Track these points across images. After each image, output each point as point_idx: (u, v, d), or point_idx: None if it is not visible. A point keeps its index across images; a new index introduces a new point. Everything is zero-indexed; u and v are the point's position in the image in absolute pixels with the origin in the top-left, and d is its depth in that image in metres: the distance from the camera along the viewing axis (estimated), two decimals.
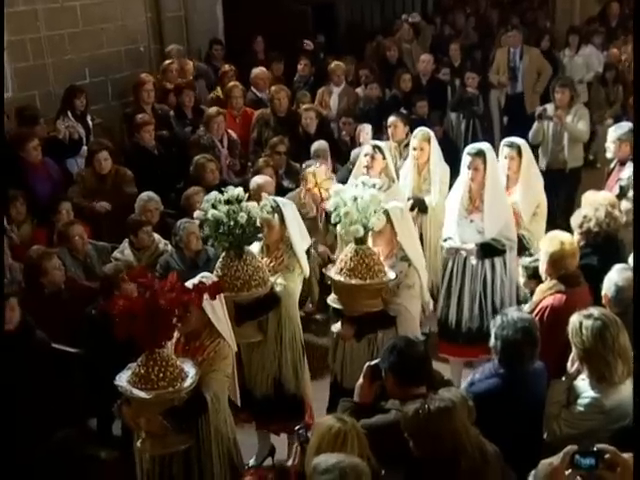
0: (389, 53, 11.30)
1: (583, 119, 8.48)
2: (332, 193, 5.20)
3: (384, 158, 6.75)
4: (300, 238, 5.52)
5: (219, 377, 4.50)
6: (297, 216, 5.62)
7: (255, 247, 5.50)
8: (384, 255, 5.31)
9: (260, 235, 5.39)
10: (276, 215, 5.38)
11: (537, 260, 5.30)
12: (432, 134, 7.14)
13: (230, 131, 8.76)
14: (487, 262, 6.11)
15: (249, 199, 5.38)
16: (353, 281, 5.03)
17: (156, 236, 6.89)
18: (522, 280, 5.44)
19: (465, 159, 6.13)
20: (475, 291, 6.16)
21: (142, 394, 4.14)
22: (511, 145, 6.48)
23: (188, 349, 4.57)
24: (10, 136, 7.84)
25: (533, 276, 5.29)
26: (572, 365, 4.24)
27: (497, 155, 6.36)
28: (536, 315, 4.83)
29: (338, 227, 5.11)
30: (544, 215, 6.50)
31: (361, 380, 4.03)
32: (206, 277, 4.64)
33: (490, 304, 6.11)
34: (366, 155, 6.76)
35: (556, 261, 4.94)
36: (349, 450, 3.33)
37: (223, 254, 5.25)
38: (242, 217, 5.09)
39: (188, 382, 4.23)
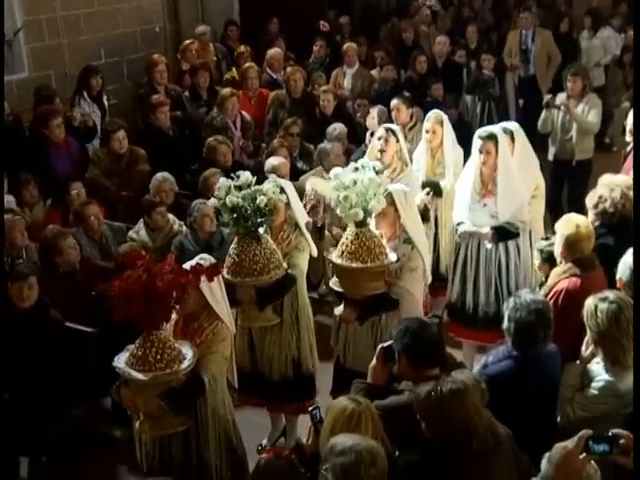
0: (405, 35, 11.23)
1: (595, 109, 8.22)
2: (331, 176, 5.13)
3: (397, 141, 6.69)
4: (302, 217, 5.56)
5: (217, 359, 4.48)
6: (296, 195, 5.62)
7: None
8: (387, 237, 5.28)
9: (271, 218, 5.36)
10: (283, 196, 5.37)
11: (553, 244, 5.27)
12: (445, 117, 7.08)
13: (244, 112, 8.74)
14: (501, 246, 6.08)
15: (261, 182, 5.36)
16: (354, 264, 5.00)
17: (171, 217, 6.90)
18: (537, 263, 5.42)
19: (476, 143, 6.07)
20: (490, 276, 6.12)
21: (140, 376, 4.14)
22: (503, 131, 6.38)
23: (186, 331, 4.56)
24: (34, 114, 7.86)
25: (547, 260, 5.26)
26: (586, 348, 4.22)
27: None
28: (551, 298, 4.79)
29: (338, 210, 5.05)
30: (543, 196, 6.48)
31: (374, 362, 4.03)
32: (204, 259, 4.60)
33: (506, 288, 6.08)
34: (379, 138, 6.70)
35: (571, 244, 4.90)
36: (363, 431, 3.32)
37: (236, 239, 5.20)
38: (262, 200, 5.05)
39: (185, 364, 4.22)
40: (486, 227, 6.05)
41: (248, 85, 9.25)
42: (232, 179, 5.19)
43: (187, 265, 4.46)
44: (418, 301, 5.26)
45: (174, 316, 4.53)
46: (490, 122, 8.99)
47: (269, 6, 11.06)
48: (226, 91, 8.65)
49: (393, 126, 6.96)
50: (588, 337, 4.17)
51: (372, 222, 5.23)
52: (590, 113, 8.18)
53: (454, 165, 6.91)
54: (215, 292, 4.54)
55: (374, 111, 8.28)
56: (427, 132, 7.04)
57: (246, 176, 5.17)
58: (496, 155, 5.99)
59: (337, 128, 8.23)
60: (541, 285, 5.31)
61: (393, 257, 5.11)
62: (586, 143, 8.41)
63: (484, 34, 11.45)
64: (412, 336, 3.89)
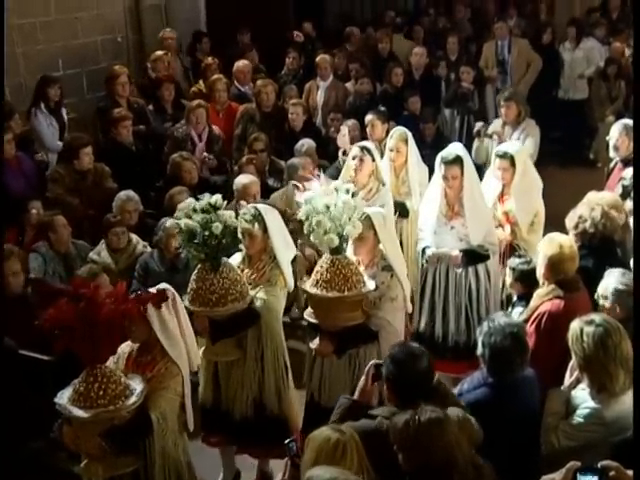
0: (380, 46, 11.31)
1: (532, 137, 8.07)
2: (302, 201, 5.11)
3: (373, 160, 6.69)
4: (284, 248, 5.45)
5: (168, 396, 4.40)
6: (280, 223, 5.54)
7: (236, 258, 5.44)
8: (364, 264, 5.27)
9: (241, 245, 5.34)
10: (257, 224, 5.31)
11: (527, 262, 5.37)
12: (409, 134, 7.11)
13: (214, 126, 8.76)
14: (471, 270, 6.13)
15: (230, 201, 5.34)
16: (330, 294, 4.97)
17: (134, 237, 6.87)
18: (508, 281, 5.48)
19: (440, 168, 6.11)
20: (460, 302, 6.16)
21: (80, 413, 4.07)
22: (504, 155, 6.49)
23: (139, 364, 4.49)
24: None
25: (520, 278, 5.33)
26: (571, 374, 4.26)
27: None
28: (533, 321, 4.85)
29: (311, 237, 5.03)
30: (542, 225, 6.51)
31: (362, 378, 4.05)
32: (159, 288, 4.53)
33: (477, 315, 6.12)
34: (354, 158, 6.69)
35: (554, 265, 4.94)
36: (349, 461, 3.30)
37: (199, 266, 5.17)
38: (217, 227, 5.00)
39: (131, 400, 4.15)
40: (455, 250, 6.10)
41: (216, 98, 9.28)
42: (198, 199, 5.17)
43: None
44: (399, 332, 5.24)
45: (128, 347, 4.49)
46: (469, 137, 9.08)
47: (239, 15, 11.10)
48: (194, 102, 8.69)
49: (368, 144, 6.95)
50: (573, 362, 4.20)
51: (349, 248, 5.23)
52: (527, 141, 8.03)
53: (419, 184, 6.92)
54: (167, 323, 4.45)
55: (345, 129, 8.30)
56: (391, 150, 7.06)
57: (215, 198, 5.13)
58: (462, 178, 6.04)
59: (305, 144, 8.26)
60: (513, 305, 5.37)
61: (371, 285, 5.10)
62: None
63: (463, 45, 11.55)
64: (397, 366, 3.88)
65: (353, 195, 5.06)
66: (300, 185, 6.83)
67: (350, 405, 3.94)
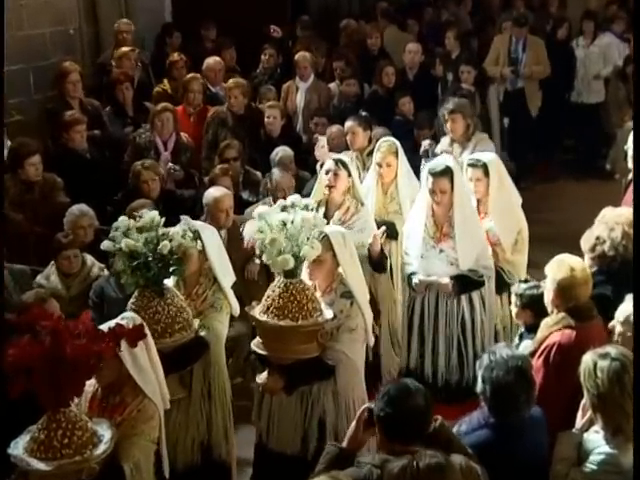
0: (370, 41, 11.41)
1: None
2: (255, 216, 5.12)
3: (349, 175, 6.67)
4: (220, 269, 5.48)
5: (142, 442, 4.36)
6: (219, 244, 5.59)
7: (168, 283, 5.41)
8: (321, 290, 5.29)
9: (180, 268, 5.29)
10: (198, 241, 5.35)
11: (534, 287, 5.38)
12: (398, 145, 7.15)
13: (183, 133, 8.80)
14: (464, 299, 6.21)
15: (200, 217, 5.33)
16: (282, 322, 4.98)
17: (89, 259, 6.83)
18: (514, 310, 5.49)
19: (427, 181, 6.17)
20: (452, 335, 6.23)
21: (41, 465, 3.97)
22: (475, 164, 6.56)
23: (105, 406, 4.47)
24: None
25: (528, 305, 5.35)
26: (583, 415, 4.28)
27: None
28: (541, 354, 4.86)
29: (264, 257, 5.03)
30: (526, 243, 6.59)
31: (353, 423, 4.03)
32: (127, 318, 4.54)
33: (471, 350, 6.19)
34: (327, 172, 6.66)
35: (565, 290, 4.94)
36: None
37: (136, 293, 5.14)
38: (164, 246, 5.01)
39: (100, 449, 4.08)
40: (445, 277, 6.15)
41: (190, 99, 9.33)
42: (164, 214, 5.19)
43: (105, 326, 4.35)
44: (358, 367, 5.26)
45: (90, 387, 4.46)
46: None
47: (209, 5, 11.18)
48: (160, 105, 8.72)
49: (343, 157, 6.94)
50: (585, 401, 4.22)
51: (304, 271, 5.21)
52: None
53: (410, 201, 6.89)
54: (140, 360, 4.44)
55: (323, 139, 8.34)
56: (379, 166, 7.08)
57: (152, 216, 5.14)
58: (451, 192, 6.11)
59: (279, 152, 8.29)
60: (520, 337, 5.40)
61: (329, 314, 5.12)
62: None
63: (463, 41, 11.62)
64: (389, 403, 3.87)
65: (311, 209, 5.10)
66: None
67: (338, 454, 3.93)
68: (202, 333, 5.27)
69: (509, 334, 6.25)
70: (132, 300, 5.17)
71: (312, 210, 5.10)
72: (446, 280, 6.12)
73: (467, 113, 8.21)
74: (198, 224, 5.52)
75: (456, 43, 11.10)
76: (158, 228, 5.10)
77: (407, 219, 6.70)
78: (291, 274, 5.03)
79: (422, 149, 8.37)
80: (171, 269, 5.12)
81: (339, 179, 6.62)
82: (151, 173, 7.71)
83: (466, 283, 6.15)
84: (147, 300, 5.10)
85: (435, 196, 6.10)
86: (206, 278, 5.46)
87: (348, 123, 8.00)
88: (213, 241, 5.50)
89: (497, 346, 4.48)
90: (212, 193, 7.08)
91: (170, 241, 5.07)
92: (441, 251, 6.19)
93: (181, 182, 8.49)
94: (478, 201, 6.61)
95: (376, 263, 6.39)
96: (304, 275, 5.21)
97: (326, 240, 5.15)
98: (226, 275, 5.54)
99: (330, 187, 6.61)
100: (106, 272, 6.73)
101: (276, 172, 7.65)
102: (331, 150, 8.22)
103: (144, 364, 4.49)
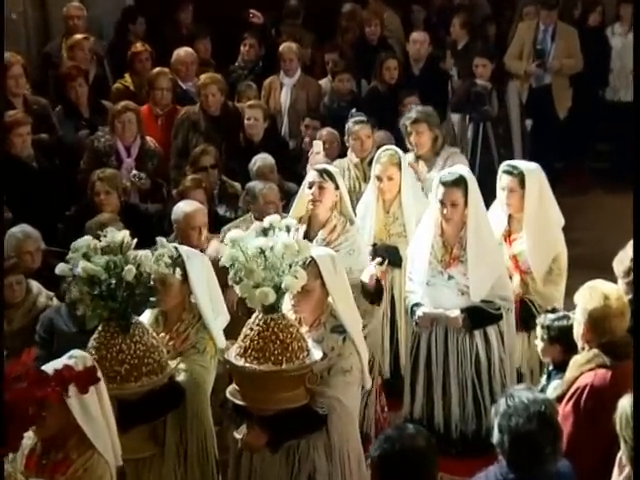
0: (368, 30, 11.44)
1: None
2: (227, 241, 5.05)
3: (337, 188, 6.65)
4: (209, 304, 5.45)
5: None
6: (210, 275, 5.55)
7: (146, 317, 5.43)
8: (308, 324, 5.26)
9: (154, 299, 5.28)
10: (177, 269, 5.30)
11: (563, 318, 5.38)
12: (402, 155, 7.18)
13: (149, 137, 8.82)
14: (478, 335, 6.20)
15: (168, 235, 5.31)
16: (262, 367, 4.92)
17: (35, 286, 6.80)
18: (540, 345, 5.49)
19: (438, 191, 6.17)
20: (465, 378, 6.22)
21: None
22: (511, 171, 6.57)
23: (46, 463, 4.41)
24: None
25: (559, 340, 5.34)
26: (620, 470, 4.27)
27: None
28: (570, 399, 4.86)
29: (238, 289, 4.99)
30: (563, 273, 6.56)
31: None
32: (75, 357, 4.48)
33: (488, 395, 6.18)
34: (311, 185, 6.65)
35: (597, 323, 4.93)
36: None
37: (99, 328, 5.11)
38: (128, 272, 4.95)
39: None
40: (455, 309, 6.14)
41: (156, 98, 9.36)
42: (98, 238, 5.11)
43: (50, 366, 4.30)
44: (353, 415, 5.24)
45: (30, 441, 4.42)
46: (486, 151, 9.23)
47: None
48: (120, 104, 8.71)
49: (330, 167, 6.92)
50: (622, 453, 4.21)
51: (286, 302, 5.18)
52: None
53: (417, 221, 6.81)
54: (90, 408, 4.40)
55: (319, 144, 8.31)
56: (379, 179, 7.09)
57: (122, 235, 5.11)
58: (465, 207, 6.13)
59: (257, 161, 8.33)
60: (548, 377, 5.39)
61: (317, 354, 5.09)
62: None
63: (478, 29, 11.67)
64: (386, 440, 3.96)
65: (309, 235, 5.10)
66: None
67: None
68: (179, 378, 5.24)
69: (538, 379, 6.22)
70: (94, 336, 5.14)
71: (297, 230, 5.08)
72: (456, 313, 6.11)
73: (433, 123, 8.13)
74: (185, 250, 5.48)
75: (462, 32, 11.16)
76: (128, 251, 5.08)
77: (412, 239, 6.71)
78: (272, 309, 4.99)
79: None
80: (139, 301, 5.09)
81: (325, 193, 6.61)
82: (105, 185, 7.72)
83: (480, 317, 6.14)
84: (110, 336, 5.07)
85: (445, 209, 6.11)
86: (190, 314, 5.43)
87: (355, 127, 8.08)
88: (201, 271, 5.45)
89: (516, 388, 4.42)
90: (182, 208, 7.07)
91: (138, 266, 5.04)
92: (450, 277, 6.18)
93: (147, 194, 8.50)
94: (509, 218, 6.64)
95: (370, 293, 6.37)
96: (287, 306, 5.19)
97: (313, 266, 5.14)
98: (217, 313, 5.52)
99: (314, 202, 6.61)
100: (56, 301, 6.72)
101: (257, 184, 7.65)
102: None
103: (95, 413, 4.44)
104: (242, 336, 5.08)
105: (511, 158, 7.62)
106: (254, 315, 5.09)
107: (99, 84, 9.98)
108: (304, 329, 5.22)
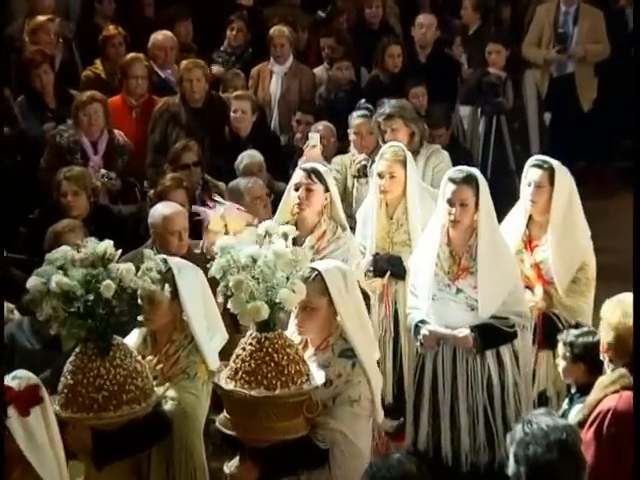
0: (369, 12, 11.45)
1: (444, 173, 7.51)
2: (217, 249, 5.03)
3: (327, 190, 6.66)
4: (203, 324, 5.40)
5: None
6: (204, 290, 5.47)
7: (133, 338, 5.42)
8: (314, 346, 5.23)
9: (141, 318, 5.24)
10: (165, 285, 5.25)
11: (588, 334, 5.37)
12: (408, 153, 7.18)
13: (117, 131, 8.80)
14: (489, 355, 6.18)
15: (144, 241, 5.28)
16: (253, 392, 4.87)
17: None
18: (562, 365, 5.47)
19: (446, 189, 6.16)
20: (476, 403, 6.19)
21: None
22: (541, 165, 6.57)
23: None
24: None
25: (584, 358, 5.32)
26: None
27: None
28: (592, 424, 4.85)
29: (230, 306, 4.91)
30: (591, 283, 6.54)
31: None
32: (19, 378, 4.39)
33: (501, 422, 6.16)
34: (297, 187, 6.67)
35: (624, 339, 4.92)
36: None
37: (77, 349, 5.06)
38: (106, 287, 4.88)
39: None
40: (463, 327, 6.11)
41: (130, 87, 9.34)
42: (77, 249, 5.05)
43: None
44: (361, 451, 5.14)
45: None
46: (499, 148, 9.24)
47: None
48: (85, 95, 8.70)
49: (319, 166, 6.90)
50: None
51: (291, 321, 5.18)
52: (438, 182, 7.58)
53: (424, 229, 6.74)
54: (35, 432, 4.34)
55: (315, 137, 8.24)
56: (381, 177, 7.07)
57: (104, 246, 5.04)
58: (475, 209, 6.11)
59: (245, 158, 8.34)
60: (571, 400, 5.39)
61: (319, 379, 5.02)
62: None
63: (492, 11, 11.68)
64: (370, 469, 3.99)
65: (295, 242, 5.03)
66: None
67: None
68: (166, 407, 5.18)
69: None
70: (71, 358, 5.08)
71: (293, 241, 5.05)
72: (465, 332, 6.08)
73: (409, 117, 8.12)
74: (176, 262, 5.43)
75: (474, 15, 11.17)
76: (105, 263, 5.01)
77: (415, 247, 6.69)
78: (266, 326, 4.94)
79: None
80: (121, 320, 5.04)
81: (313, 196, 6.62)
82: (72, 185, 7.71)
83: (492, 335, 6.11)
84: (88, 359, 5.00)
85: (453, 211, 6.08)
86: (181, 334, 5.35)
87: (356, 119, 8.12)
88: (194, 286, 5.38)
89: (534, 413, 4.31)
90: (160, 210, 7.01)
91: (119, 281, 4.98)
92: (458, 291, 6.14)
93: (117, 195, 8.49)
94: (529, 222, 6.64)
95: None
96: (291, 327, 5.19)
97: (319, 281, 5.10)
98: (214, 332, 5.46)
99: (300, 206, 6.62)
100: (17, 315, 6.72)
101: (241, 181, 7.70)
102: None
103: (41, 440, 4.39)
104: (234, 356, 5.03)
105: (527, 155, 7.56)
106: (248, 333, 5.03)
107: (67, 71, 10.00)
108: (309, 352, 5.18)
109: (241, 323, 5.15)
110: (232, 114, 9.14)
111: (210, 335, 5.42)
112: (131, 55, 9.57)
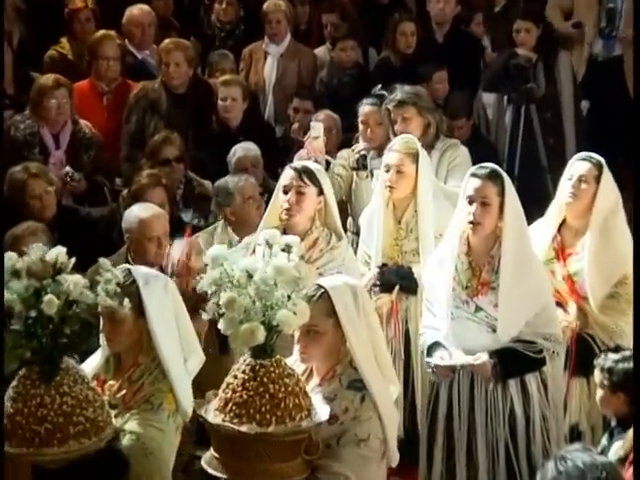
0: None
1: (458, 169, 7.90)
2: (208, 260, 4.96)
3: (321, 193, 6.70)
4: (173, 345, 5.38)
5: None
6: (176, 302, 5.46)
7: (94, 360, 5.40)
8: (320, 375, 5.23)
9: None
10: (126, 300, 5.15)
11: (630, 359, 5.35)
12: (419, 146, 7.18)
13: (83, 121, 8.81)
14: (513, 385, 6.13)
15: (118, 247, 5.25)
16: (243, 427, 4.84)
17: None
18: (599, 394, 5.46)
19: (467, 185, 6.10)
20: (497, 439, 6.15)
21: None
22: (589, 159, 6.57)
23: None
24: None
25: (624, 386, 5.31)
26: None
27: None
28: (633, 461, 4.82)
29: (221, 326, 4.87)
30: (631, 300, 6.44)
31: None
32: None
33: (525, 461, 6.13)
34: (287, 189, 6.67)
35: None
36: None
37: (20, 373, 5.03)
38: (48, 303, 4.81)
39: None
40: (482, 352, 6.05)
41: (101, 70, 9.35)
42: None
43: None
44: None
45: None
46: (529, 141, 9.22)
47: None
48: (46, 78, 8.69)
49: (312, 165, 6.93)
50: None
51: (295, 347, 5.16)
52: (450, 178, 8.02)
53: (438, 236, 6.81)
54: None
55: (319, 126, 8.19)
56: (387, 171, 7.08)
57: (55, 254, 4.97)
58: (499, 213, 6.06)
59: (237, 151, 8.39)
60: (611, 434, 5.38)
61: (323, 415, 4.99)
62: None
63: None
64: None
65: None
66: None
67: None
68: (124, 442, 5.17)
69: (600, 438, 6.19)
70: (13, 383, 5.02)
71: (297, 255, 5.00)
72: (482, 358, 6.01)
73: (425, 106, 8.16)
74: (142, 273, 5.38)
75: None
76: (56, 274, 4.96)
77: (429, 258, 6.65)
78: (261, 352, 4.91)
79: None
80: (71, 340, 4.94)
81: (304, 199, 6.62)
82: (43, 183, 7.73)
83: (515, 362, 6.07)
84: (30, 385, 4.96)
85: (474, 210, 6.02)
86: (148, 357, 5.31)
87: (365, 107, 8.16)
88: (163, 301, 5.37)
89: (569, 449, 4.30)
90: (137, 213, 7.04)
91: (67, 296, 4.91)
92: (478, 309, 6.08)
93: (82, 196, 8.51)
94: (561, 227, 6.64)
95: None
96: (294, 354, 5.18)
97: (325, 300, 5.10)
98: (188, 353, 5.45)
99: (289, 211, 6.62)
100: None
101: (229, 179, 7.71)
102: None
103: None
104: (224, 385, 4.97)
105: (562, 149, 7.60)
106: (241, 359, 4.98)
107: (26, 50, 10.03)
108: (314, 382, 5.16)
109: (233, 347, 5.17)
110: (220, 102, 9.18)
111: (182, 358, 5.39)
112: (101, 32, 9.60)
